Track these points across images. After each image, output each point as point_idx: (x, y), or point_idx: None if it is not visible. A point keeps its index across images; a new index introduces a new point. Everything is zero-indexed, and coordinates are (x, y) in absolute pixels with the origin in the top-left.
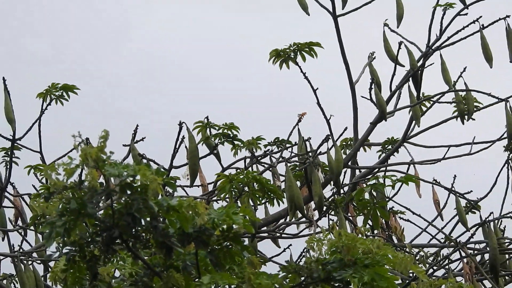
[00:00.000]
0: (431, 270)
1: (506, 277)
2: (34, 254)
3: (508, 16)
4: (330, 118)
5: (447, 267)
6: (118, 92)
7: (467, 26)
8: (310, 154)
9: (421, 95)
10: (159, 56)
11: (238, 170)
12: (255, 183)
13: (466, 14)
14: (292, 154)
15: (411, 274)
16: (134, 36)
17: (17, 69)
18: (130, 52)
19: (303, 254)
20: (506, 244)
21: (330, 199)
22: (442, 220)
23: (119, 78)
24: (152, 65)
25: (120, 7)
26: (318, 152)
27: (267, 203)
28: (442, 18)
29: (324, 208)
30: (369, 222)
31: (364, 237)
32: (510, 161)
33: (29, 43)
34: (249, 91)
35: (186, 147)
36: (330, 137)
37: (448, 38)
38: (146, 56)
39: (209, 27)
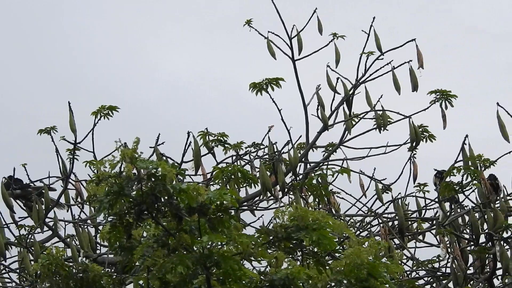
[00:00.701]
0: (358, 232)
1: (409, 237)
2: (89, 221)
3: (411, 60)
4: (290, 128)
5: (369, 230)
6: (143, 112)
7: (383, 66)
8: (276, 153)
9: (351, 113)
10: (178, 86)
11: (227, 164)
12: (239, 173)
13: (382, 58)
14: (264, 153)
15: (344, 235)
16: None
17: (75, 93)
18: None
19: (271, 221)
20: (409, 214)
21: (289, 184)
22: (366, 198)
23: (145, 101)
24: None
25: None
26: (281, 152)
27: (247, 187)
28: (366, 61)
29: (286, 190)
30: (317, 199)
31: (313, 210)
32: (412, 157)
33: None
34: (234, 110)
35: (192, 148)
36: (290, 141)
37: (370, 75)
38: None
39: (206, 64)
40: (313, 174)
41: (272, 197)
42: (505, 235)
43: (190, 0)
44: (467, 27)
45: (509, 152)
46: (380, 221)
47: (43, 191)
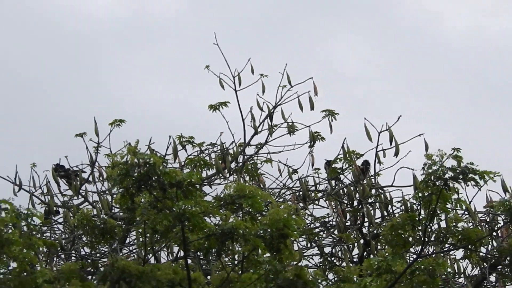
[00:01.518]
0: (277, 199)
1: (309, 202)
2: (107, 192)
3: (309, 91)
4: (234, 133)
5: (284, 198)
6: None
7: (292, 95)
8: (225, 149)
9: (272, 124)
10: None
11: (194, 156)
12: (201, 161)
13: (291, 89)
14: (218, 149)
15: (268, 201)
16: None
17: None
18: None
19: (222, 192)
20: (309, 187)
21: (233, 169)
22: (281, 177)
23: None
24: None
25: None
26: (228, 148)
27: (206, 170)
28: (282, 91)
29: (231, 172)
30: (251, 179)
31: (248, 185)
32: (311, 152)
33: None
34: (199, 122)
35: (171, 146)
36: (233, 142)
37: (284, 100)
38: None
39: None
40: (248, 162)
41: (222, 177)
42: (369, 201)
43: (161, 50)
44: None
45: (372, 149)
46: (291, 192)
47: (78, 173)
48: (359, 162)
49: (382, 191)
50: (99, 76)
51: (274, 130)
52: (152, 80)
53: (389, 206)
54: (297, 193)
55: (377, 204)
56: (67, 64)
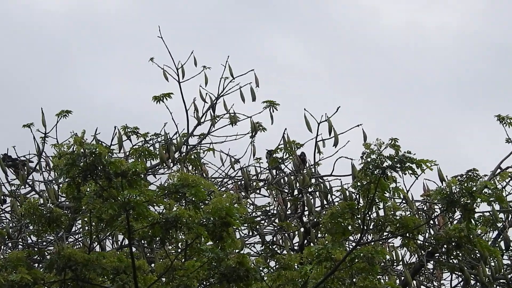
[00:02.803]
0: (219, 188)
1: (251, 191)
2: (54, 182)
3: (251, 82)
4: (177, 124)
5: (226, 187)
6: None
7: (234, 86)
8: (169, 139)
9: (215, 115)
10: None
11: (139, 146)
12: (146, 151)
13: (233, 81)
14: (162, 139)
15: (211, 190)
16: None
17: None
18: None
19: (166, 181)
20: (251, 176)
21: (177, 158)
22: (224, 167)
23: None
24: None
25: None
26: (172, 138)
27: (151, 160)
28: (224, 82)
29: (175, 162)
30: (194, 168)
31: (192, 174)
32: (252, 142)
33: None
34: (142, 113)
35: (117, 136)
36: (177, 132)
37: (226, 91)
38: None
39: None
40: (191, 152)
41: (166, 167)
42: (310, 190)
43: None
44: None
45: (311, 139)
46: (233, 181)
47: (26, 162)
48: (299, 152)
49: (321, 181)
50: (57, 70)
51: (216, 120)
52: (102, 72)
53: (329, 195)
54: (239, 183)
55: (317, 193)
56: (19, 55)
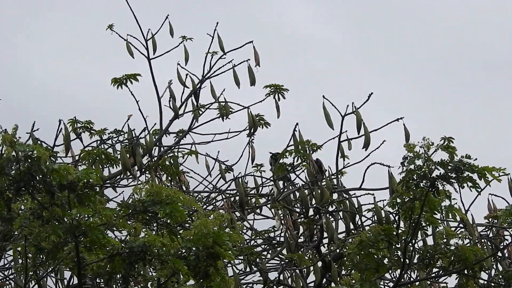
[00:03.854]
0: (204, 206)
1: (249, 210)
2: None
3: (249, 59)
4: (146, 117)
5: (214, 204)
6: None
7: (225, 64)
8: (135, 138)
9: (198, 104)
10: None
11: (93, 148)
12: (102, 155)
13: (224, 57)
14: (124, 138)
15: (193, 208)
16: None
17: None
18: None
19: (131, 196)
20: (249, 190)
21: (146, 165)
22: (211, 177)
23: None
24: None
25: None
26: (139, 137)
27: (109, 167)
28: (211, 59)
29: (143, 169)
30: (169, 178)
31: (166, 187)
32: (250, 142)
33: None
34: (100, 103)
35: (63, 134)
36: (146, 128)
37: (214, 71)
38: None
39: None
40: (166, 156)
41: (131, 176)
42: (330, 209)
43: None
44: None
45: (333, 138)
46: (224, 196)
47: None
48: (315, 157)
49: (347, 196)
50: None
51: (201, 112)
52: (53, 51)
53: (357, 216)
54: (233, 199)
55: (341, 213)
56: None
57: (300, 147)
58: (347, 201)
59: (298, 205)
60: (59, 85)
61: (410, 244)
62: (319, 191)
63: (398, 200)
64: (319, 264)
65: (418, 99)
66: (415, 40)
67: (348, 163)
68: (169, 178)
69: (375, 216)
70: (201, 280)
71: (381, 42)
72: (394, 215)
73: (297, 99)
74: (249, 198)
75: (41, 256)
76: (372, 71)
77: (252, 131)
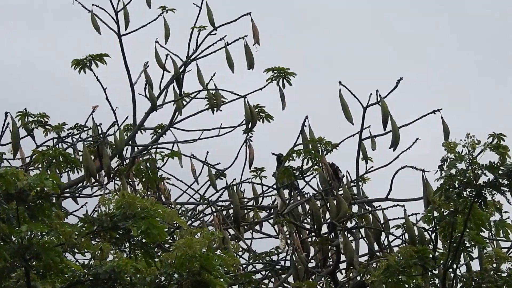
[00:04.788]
0: (190, 222)
1: (245, 227)
2: None
3: (246, 36)
4: (115, 109)
5: (202, 219)
6: None
7: (216, 42)
8: (101, 135)
9: (182, 92)
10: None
11: (48, 148)
12: (60, 157)
13: (215, 34)
14: (88, 136)
15: (175, 224)
16: None
17: None
18: None
19: (96, 209)
20: (245, 202)
21: (116, 169)
22: (198, 184)
23: None
24: None
25: None
26: (106, 134)
27: (69, 171)
28: (198, 36)
29: (111, 175)
30: (145, 186)
31: (141, 197)
32: (247, 140)
33: None
34: (56, 91)
35: (10, 130)
36: (116, 123)
37: (202, 51)
38: None
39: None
40: (141, 158)
41: (96, 183)
42: (349, 225)
43: None
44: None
45: (353, 135)
46: (214, 209)
47: None
48: (330, 159)
49: (370, 208)
50: None
51: (185, 103)
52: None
53: (383, 234)
54: (225, 212)
55: (362, 230)
56: None
57: (310, 147)
58: (370, 215)
59: (308, 220)
60: (6, 67)
61: (451, 269)
62: (335, 203)
63: (435, 214)
64: None
65: (458, 88)
66: (452, 17)
67: (372, 167)
68: (145, 186)
69: (406, 234)
70: None
71: (409, 17)
72: (430, 232)
73: (307, 86)
74: (246, 211)
75: None
76: (401, 53)
77: (250, 126)
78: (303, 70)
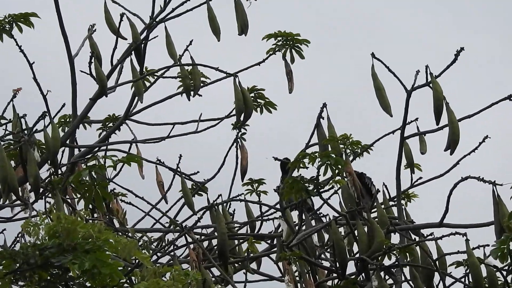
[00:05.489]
0: (155, 257)
1: (236, 264)
2: None
3: None
4: (47, 93)
5: (172, 253)
6: None
7: None
8: (26, 132)
9: (144, 69)
10: None
11: None
12: None
13: None
14: (7, 132)
15: (134, 260)
16: None
17: None
18: None
19: (19, 239)
20: (236, 228)
21: (47, 180)
22: (167, 203)
23: None
24: None
25: None
26: (34, 129)
27: None
28: None
29: (41, 189)
30: (90, 205)
31: (85, 221)
32: (239, 139)
33: None
34: None
35: None
36: (47, 113)
37: (173, 9)
38: None
39: None
40: (83, 165)
41: (19, 201)
42: (386, 262)
43: None
44: None
45: (392, 132)
46: (190, 239)
47: None
48: (357, 167)
49: (417, 238)
50: None
51: (148, 85)
52: None
53: (436, 275)
54: (206, 243)
55: (406, 269)
56: None
57: (330, 148)
58: (417, 248)
59: (327, 255)
60: None
61: None
62: (366, 230)
63: None
64: None
65: None
66: None
67: (420, 177)
68: (90, 204)
69: (469, 276)
70: None
71: None
72: (503, 273)
73: (324, 60)
74: (237, 242)
75: None
76: (457, 15)
77: (242, 118)
78: (321, 39)
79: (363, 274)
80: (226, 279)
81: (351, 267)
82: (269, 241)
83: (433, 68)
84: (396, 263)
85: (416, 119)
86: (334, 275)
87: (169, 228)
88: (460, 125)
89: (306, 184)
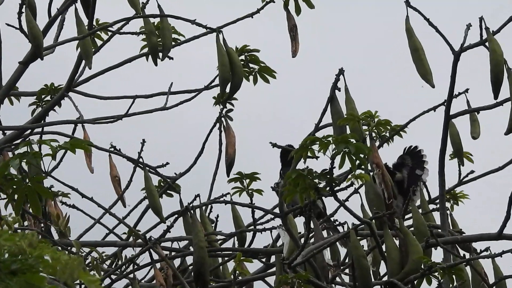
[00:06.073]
0: (108, 280)
1: None
2: None
3: None
4: None
5: (132, 275)
6: None
7: None
8: None
9: (94, 22)
10: None
11: None
12: None
13: None
14: None
15: (79, 285)
16: None
17: None
18: None
19: None
20: (219, 241)
21: None
22: (125, 207)
23: None
24: None
25: None
26: None
27: None
28: None
29: None
30: (21, 208)
31: (12, 231)
32: (223, 119)
33: None
34: None
35: None
36: None
37: None
38: None
39: None
40: (9, 153)
41: None
42: (424, 286)
43: None
44: None
45: (433, 109)
46: (157, 255)
47: None
48: (384, 158)
49: (468, 255)
50: None
51: (100, 44)
52: None
53: None
54: (178, 261)
55: None
56: None
57: (348, 131)
58: (467, 268)
59: (345, 278)
60: None
61: None
62: (398, 244)
63: None
64: None
65: None
66: None
67: (472, 171)
68: (20, 208)
69: None
70: None
71: None
72: None
73: (340, 12)
74: (221, 259)
75: None
76: None
77: (228, 89)
78: None
79: None
80: None
81: None
82: (264, 259)
83: (489, 22)
84: (440, 286)
85: (466, 90)
86: None
87: (128, 240)
88: None
89: (316, 180)
